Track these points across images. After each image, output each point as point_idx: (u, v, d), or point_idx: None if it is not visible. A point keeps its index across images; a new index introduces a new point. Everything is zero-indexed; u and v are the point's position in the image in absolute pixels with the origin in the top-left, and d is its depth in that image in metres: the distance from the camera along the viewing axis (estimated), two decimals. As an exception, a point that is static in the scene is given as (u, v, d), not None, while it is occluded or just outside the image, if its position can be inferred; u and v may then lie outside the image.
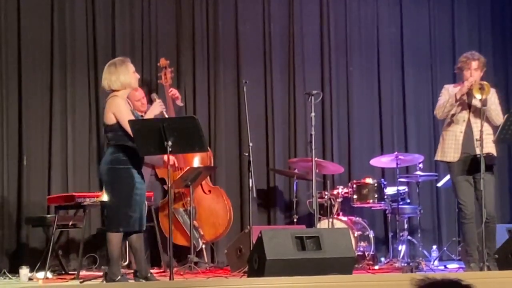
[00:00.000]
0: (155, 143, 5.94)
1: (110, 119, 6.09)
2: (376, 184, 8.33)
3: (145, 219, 6.22)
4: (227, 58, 9.13)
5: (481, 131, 6.51)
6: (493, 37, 10.06)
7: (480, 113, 6.63)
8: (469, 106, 6.82)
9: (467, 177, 6.77)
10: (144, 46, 8.76)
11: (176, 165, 7.82)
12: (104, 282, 6.21)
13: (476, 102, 6.73)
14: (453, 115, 6.83)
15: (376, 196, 8.31)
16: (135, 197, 6.04)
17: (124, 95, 6.18)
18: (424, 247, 8.74)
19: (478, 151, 6.60)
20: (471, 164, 6.71)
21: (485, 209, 6.51)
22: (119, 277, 6.07)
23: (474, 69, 6.79)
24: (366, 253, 8.09)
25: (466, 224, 6.78)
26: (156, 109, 6.35)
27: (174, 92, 8.02)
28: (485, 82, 6.63)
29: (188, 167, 7.91)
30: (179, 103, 6.53)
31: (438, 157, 7.02)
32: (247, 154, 6.98)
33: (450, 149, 6.84)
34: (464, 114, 6.81)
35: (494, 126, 6.79)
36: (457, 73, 7.05)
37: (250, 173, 6.95)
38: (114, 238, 6.08)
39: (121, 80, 6.12)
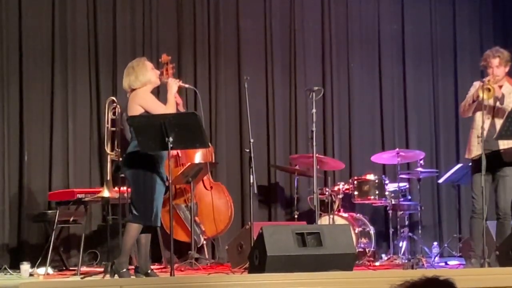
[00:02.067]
0: (156, 139, 5.95)
1: (136, 111, 6.16)
2: (377, 181, 8.33)
3: (160, 216, 6.28)
4: (228, 54, 9.13)
5: (482, 128, 6.52)
6: (494, 33, 10.05)
7: (500, 111, 6.64)
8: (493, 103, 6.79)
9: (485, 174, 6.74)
10: (145, 42, 8.76)
11: (180, 155, 7.88)
12: (108, 272, 6.27)
13: (496, 101, 6.72)
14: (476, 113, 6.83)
15: (377, 192, 8.30)
16: (156, 191, 6.14)
17: (147, 90, 6.27)
18: (424, 244, 8.74)
19: (501, 146, 6.67)
20: (493, 160, 6.65)
21: (496, 204, 6.63)
22: (124, 270, 6.11)
23: (496, 67, 6.77)
24: (367, 250, 8.09)
25: (474, 218, 6.83)
26: (173, 87, 6.42)
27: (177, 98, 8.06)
28: (492, 85, 6.59)
29: (189, 163, 7.91)
30: (181, 108, 6.55)
31: (466, 155, 7.03)
32: (248, 150, 6.98)
33: (474, 147, 6.85)
34: (487, 112, 6.77)
35: None
36: (482, 69, 7.02)
37: (251, 169, 6.94)
38: (134, 230, 6.16)
39: (140, 79, 6.26)
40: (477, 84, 6.91)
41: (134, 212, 6.16)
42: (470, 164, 7.08)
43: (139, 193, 6.17)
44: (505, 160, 6.73)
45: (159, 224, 6.40)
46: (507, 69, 6.84)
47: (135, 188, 6.21)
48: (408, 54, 9.79)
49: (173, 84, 6.43)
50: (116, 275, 6.13)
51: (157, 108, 6.19)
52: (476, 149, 6.83)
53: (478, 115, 6.79)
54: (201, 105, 7.28)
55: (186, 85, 6.85)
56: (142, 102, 6.18)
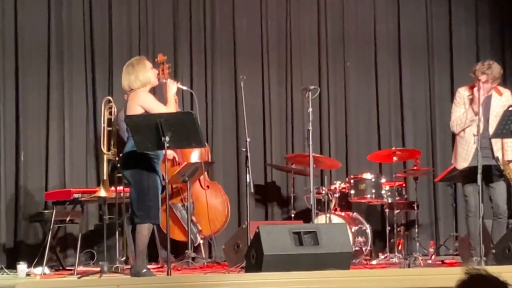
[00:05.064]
0: (153, 139, 5.94)
1: (136, 111, 6.14)
2: (373, 179, 8.32)
3: (160, 213, 6.27)
4: (224, 54, 9.13)
5: (478, 130, 6.49)
6: (491, 33, 10.05)
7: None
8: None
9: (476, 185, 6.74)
10: (141, 42, 8.76)
11: (177, 159, 7.87)
12: (128, 275, 6.25)
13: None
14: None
15: (373, 191, 8.29)
16: (156, 189, 6.14)
17: (146, 90, 6.27)
18: (421, 242, 8.75)
19: (494, 162, 6.58)
20: (485, 174, 6.50)
21: (494, 204, 6.63)
22: (145, 270, 6.08)
23: (482, 82, 6.68)
24: (364, 248, 8.09)
25: (469, 217, 6.80)
26: (172, 88, 6.39)
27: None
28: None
29: (185, 163, 7.91)
30: (176, 107, 6.56)
31: (453, 162, 6.96)
32: (244, 149, 6.98)
33: (460, 157, 6.78)
34: (480, 124, 6.62)
35: None
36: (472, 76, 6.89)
37: (247, 169, 6.94)
38: (145, 229, 6.13)
39: (140, 78, 6.23)
40: (464, 94, 6.78)
41: (140, 212, 6.12)
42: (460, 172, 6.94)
43: (142, 192, 6.11)
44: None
45: (159, 222, 6.39)
46: (494, 85, 6.76)
47: (138, 188, 6.14)
48: (404, 53, 9.78)
49: (172, 85, 6.42)
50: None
51: (158, 108, 6.17)
52: (463, 161, 6.75)
53: (471, 127, 6.71)
54: (197, 104, 7.27)
55: (184, 87, 6.83)
56: (143, 103, 6.15)
